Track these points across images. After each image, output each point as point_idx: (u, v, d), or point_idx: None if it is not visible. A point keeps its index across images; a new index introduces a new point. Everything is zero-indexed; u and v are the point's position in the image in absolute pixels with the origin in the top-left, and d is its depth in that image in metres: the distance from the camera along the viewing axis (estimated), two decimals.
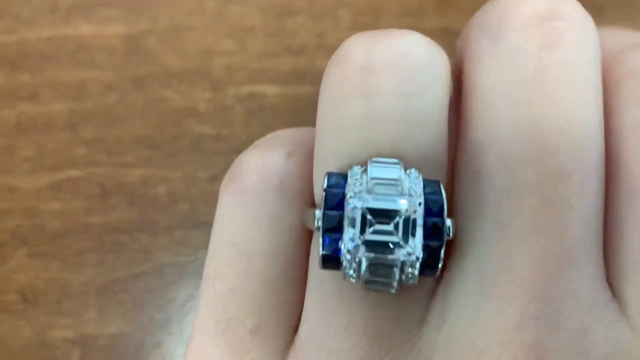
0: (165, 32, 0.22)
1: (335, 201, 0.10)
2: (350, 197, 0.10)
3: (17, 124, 0.22)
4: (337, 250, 0.10)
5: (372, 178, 0.10)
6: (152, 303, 0.21)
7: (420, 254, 0.10)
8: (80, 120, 0.22)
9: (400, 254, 0.10)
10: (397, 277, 0.10)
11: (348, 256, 0.10)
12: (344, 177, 0.11)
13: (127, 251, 0.21)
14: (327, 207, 0.10)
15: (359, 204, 0.10)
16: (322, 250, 0.10)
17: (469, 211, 0.11)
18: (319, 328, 0.11)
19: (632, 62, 0.11)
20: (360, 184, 0.10)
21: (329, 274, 0.11)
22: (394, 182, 0.10)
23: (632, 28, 0.23)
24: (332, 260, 0.10)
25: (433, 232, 0.10)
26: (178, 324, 0.20)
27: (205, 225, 0.21)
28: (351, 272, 0.10)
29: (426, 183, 0.10)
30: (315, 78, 0.22)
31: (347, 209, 0.10)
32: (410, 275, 0.10)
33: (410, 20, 0.23)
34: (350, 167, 0.11)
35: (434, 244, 0.10)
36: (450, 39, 0.23)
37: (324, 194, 0.10)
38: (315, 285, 0.11)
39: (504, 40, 0.11)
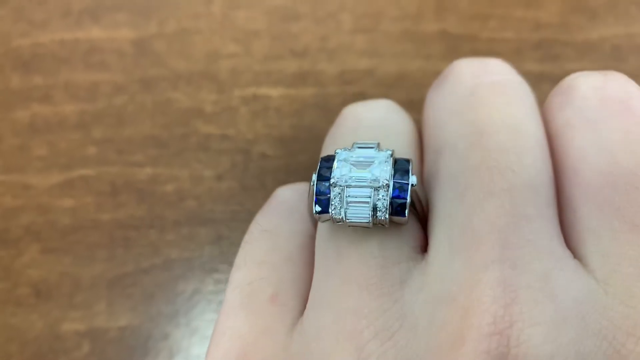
0: (173, 35, 0.23)
1: (325, 166, 0.13)
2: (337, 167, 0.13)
3: (31, 124, 0.22)
4: (327, 191, 0.13)
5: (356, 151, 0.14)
6: (160, 296, 0.21)
7: (390, 183, 0.13)
8: (92, 120, 0.22)
9: (374, 183, 0.13)
10: (370, 206, 0.13)
11: (334, 191, 0.13)
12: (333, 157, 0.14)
13: (136, 246, 0.22)
14: (319, 169, 0.13)
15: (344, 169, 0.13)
16: (315, 191, 0.13)
17: (435, 192, 0.14)
18: (323, 288, 0.13)
19: (566, 82, 0.15)
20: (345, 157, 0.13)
21: (332, 237, 0.14)
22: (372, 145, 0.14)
23: (624, 32, 0.24)
24: (324, 204, 0.13)
25: (400, 175, 0.13)
26: (185, 316, 0.21)
27: (210, 222, 0.22)
28: (337, 206, 0.13)
29: (397, 159, 0.14)
30: (317, 80, 0.23)
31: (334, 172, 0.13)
32: (383, 207, 0.13)
33: (409, 24, 0.23)
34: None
35: (402, 181, 0.13)
36: (448, 43, 0.24)
37: (320, 162, 0.14)
38: (319, 257, 0.14)
39: (448, 85, 0.16)
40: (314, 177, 0.13)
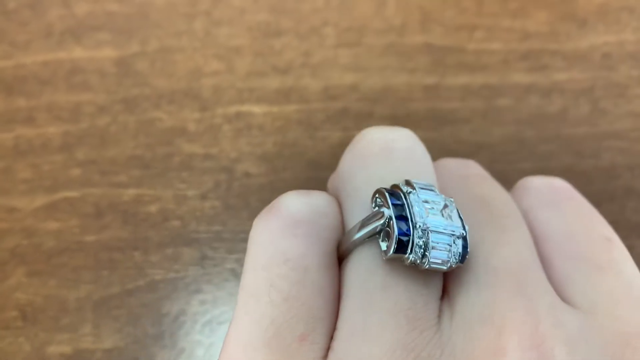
0: (155, 54, 0.23)
1: (395, 203, 0.14)
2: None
3: (15, 146, 0.22)
4: (408, 232, 0.13)
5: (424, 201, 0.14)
6: (145, 318, 0.21)
7: (465, 233, 0.14)
8: (75, 141, 0.22)
9: (452, 230, 0.14)
10: (451, 253, 0.13)
11: (416, 236, 0.13)
12: (392, 191, 0.14)
13: (121, 268, 0.22)
14: (394, 207, 0.14)
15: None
16: (397, 232, 0.13)
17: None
18: (362, 321, 0.13)
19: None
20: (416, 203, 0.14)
21: (377, 270, 0.14)
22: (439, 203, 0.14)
23: (615, 39, 0.23)
24: (402, 244, 0.13)
25: (462, 222, 0.14)
26: (171, 338, 0.21)
27: (195, 242, 0.22)
28: (418, 250, 0.13)
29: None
30: (301, 96, 0.23)
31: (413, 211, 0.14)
32: (457, 254, 0.14)
33: (394, 37, 0.23)
34: (397, 186, 0.14)
35: (465, 230, 0.14)
36: (433, 55, 0.23)
37: (387, 195, 0.14)
38: (357, 287, 0.14)
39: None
40: (389, 212, 0.13)
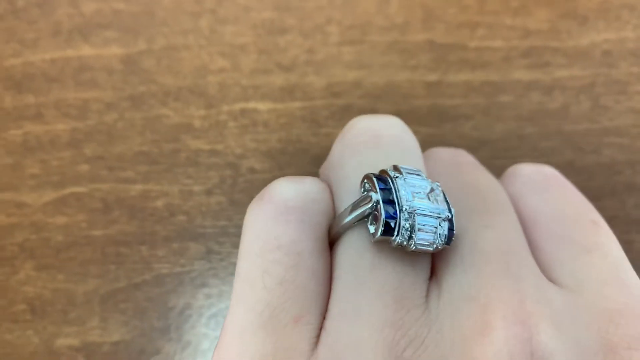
0: (162, 52, 0.23)
1: (383, 187, 0.14)
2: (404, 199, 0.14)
3: (24, 142, 0.23)
4: (395, 214, 0.14)
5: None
6: (152, 311, 0.22)
7: (451, 215, 0.14)
8: (83, 138, 0.23)
9: (442, 214, 0.14)
10: (437, 235, 0.14)
11: (403, 218, 0.13)
12: (379, 176, 0.14)
13: (128, 262, 0.22)
14: (382, 192, 0.14)
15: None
16: (384, 216, 0.14)
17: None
18: (352, 301, 0.14)
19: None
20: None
21: (366, 252, 0.14)
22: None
23: (616, 37, 0.24)
24: (389, 227, 0.14)
25: (448, 204, 0.14)
26: (177, 331, 0.21)
27: (200, 237, 0.22)
28: (405, 232, 0.14)
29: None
30: (305, 93, 0.23)
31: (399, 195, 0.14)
32: (442, 236, 0.14)
33: (396, 34, 0.23)
34: (385, 171, 0.14)
35: (452, 213, 0.14)
36: (435, 52, 0.24)
37: (375, 180, 0.14)
38: (347, 269, 0.14)
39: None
40: (377, 196, 0.14)
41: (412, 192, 0.14)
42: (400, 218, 0.14)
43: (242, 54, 0.23)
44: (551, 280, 0.15)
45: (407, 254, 0.14)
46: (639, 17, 0.24)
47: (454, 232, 0.14)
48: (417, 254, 0.14)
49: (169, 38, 0.23)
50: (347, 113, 0.23)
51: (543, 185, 0.17)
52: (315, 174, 0.23)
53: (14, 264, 0.22)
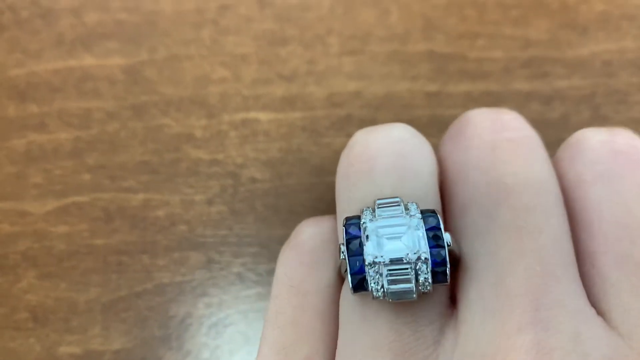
0: (163, 62, 0.23)
1: (352, 234, 0.13)
2: (367, 235, 0.13)
3: (27, 152, 0.23)
4: (362, 269, 0.12)
5: (380, 226, 0.13)
6: (153, 320, 0.22)
7: (428, 255, 0.12)
8: (86, 147, 0.23)
9: (412, 256, 0.12)
10: (413, 281, 0.12)
11: (371, 271, 0.12)
12: (358, 217, 0.13)
13: (129, 271, 0.22)
14: (347, 240, 0.13)
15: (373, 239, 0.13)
16: (349, 271, 0.13)
17: (464, 246, 0.14)
18: (350, 352, 0.13)
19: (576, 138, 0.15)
20: (371, 221, 0.13)
21: (357, 303, 0.13)
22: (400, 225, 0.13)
23: (615, 47, 0.24)
24: (360, 282, 0.13)
25: (435, 240, 0.13)
26: (177, 340, 0.22)
27: (201, 246, 0.22)
28: (376, 285, 0.12)
29: (423, 211, 0.13)
30: (305, 103, 0.23)
31: (363, 236, 0.13)
32: (425, 281, 0.12)
33: (397, 45, 0.23)
34: (362, 210, 0.13)
35: (439, 248, 0.12)
36: (435, 62, 0.24)
37: (343, 229, 0.13)
38: (346, 316, 0.14)
39: (465, 138, 0.15)
40: (343, 248, 0.13)
41: (382, 237, 0.12)
42: (367, 272, 0.12)
43: (243, 64, 0.23)
44: (600, 311, 0.12)
45: (402, 302, 0.13)
46: (638, 28, 0.24)
47: (447, 267, 0.12)
48: (422, 297, 0.13)
49: (170, 48, 0.23)
50: (348, 123, 0.23)
51: (614, 171, 0.13)
52: (315, 183, 0.23)
53: (17, 272, 0.22)
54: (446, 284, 0.13)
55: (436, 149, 0.24)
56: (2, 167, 0.23)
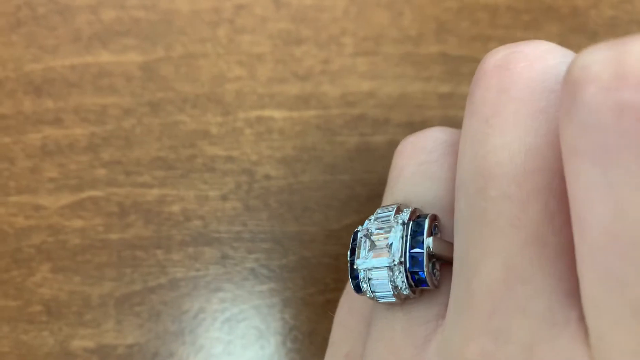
0: (180, 59, 0.24)
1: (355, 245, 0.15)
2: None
3: (42, 146, 0.23)
4: (357, 273, 0.14)
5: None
6: (166, 315, 0.22)
7: (404, 259, 0.13)
8: (101, 142, 0.23)
9: (390, 261, 0.13)
10: (389, 285, 0.13)
11: (360, 275, 0.14)
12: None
13: (144, 266, 0.22)
14: (352, 248, 0.15)
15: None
16: (349, 274, 0.14)
17: (454, 236, 0.13)
18: (367, 348, 0.14)
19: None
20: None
21: (375, 302, 0.15)
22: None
23: None
24: (357, 285, 0.14)
25: (416, 241, 0.13)
26: (190, 334, 0.22)
27: (215, 242, 0.22)
28: (366, 287, 0.14)
29: (420, 216, 0.14)
30: (320, 102, 0.23)
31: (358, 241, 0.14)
32: (403, 284, 0.13)
33: (410, 46, 0.24)
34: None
35: (416, 251, 0.13)
36: (448, 64, 0.24)
37: (352, 241, 0.15)
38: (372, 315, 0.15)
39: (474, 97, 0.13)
40: (349, 253, 0.15)
41: (372, 244, 0.14)
42: (359, 277, 0.14)
43: (258, 63, 0.24)
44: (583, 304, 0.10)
45: (397, 302, 0.14)
46: None
47: (424, 273, 0.13)
48: (417, 298, 0.14)
49: (187, 46, 0.24)
50: (361, 122, 0.23)
51: (615, 142, 0.09)
52: (329, 181, 0.23)
53: (31, 265, 0.22)
54: (427, 287, 0.13)
55: None
56: (17, 161, 0.23)
